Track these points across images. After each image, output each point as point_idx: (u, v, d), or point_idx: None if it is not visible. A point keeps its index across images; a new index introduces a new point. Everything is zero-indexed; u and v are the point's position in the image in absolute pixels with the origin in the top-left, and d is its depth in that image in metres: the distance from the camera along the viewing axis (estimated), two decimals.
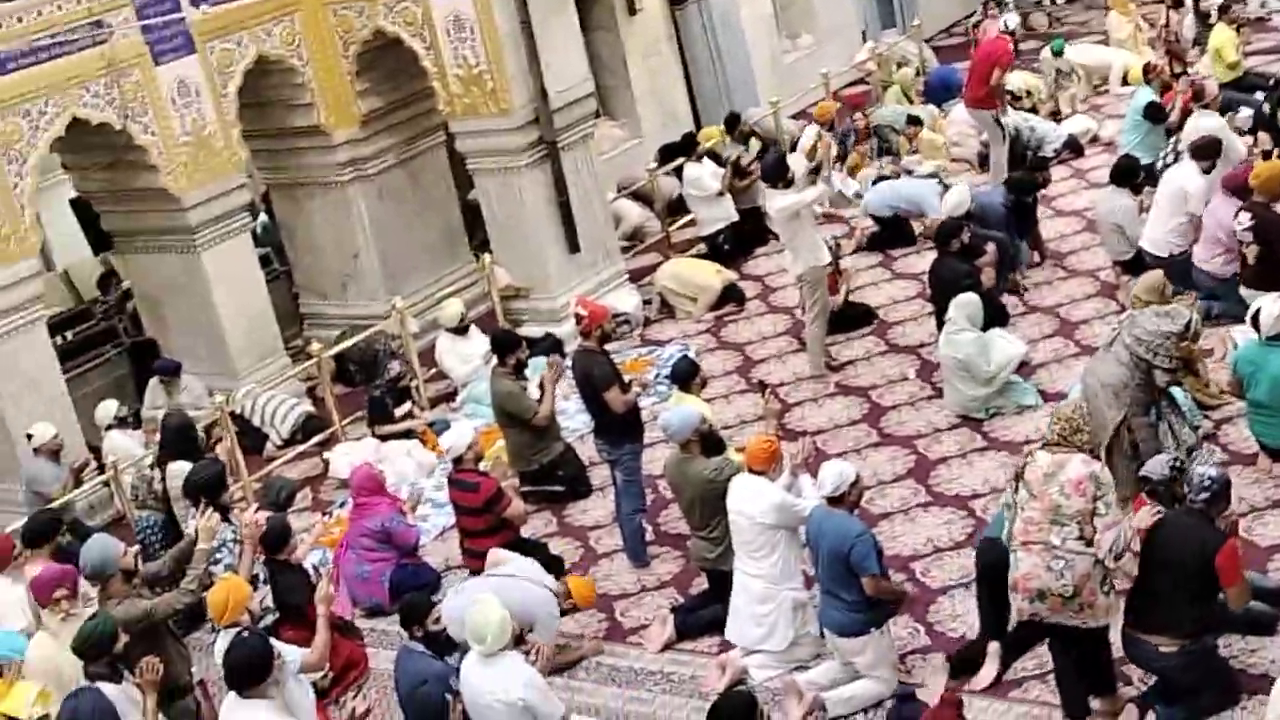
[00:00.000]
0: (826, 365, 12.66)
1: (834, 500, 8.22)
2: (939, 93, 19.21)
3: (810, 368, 12.70)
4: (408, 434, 12.97)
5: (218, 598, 8.15)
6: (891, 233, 15.32)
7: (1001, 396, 11.28)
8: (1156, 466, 8.03)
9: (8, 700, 7.56)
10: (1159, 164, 13.79)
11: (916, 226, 15.13)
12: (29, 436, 12.19)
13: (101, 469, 12.25)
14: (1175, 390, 9.80)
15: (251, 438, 13.50)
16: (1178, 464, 8.04)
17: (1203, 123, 13.37)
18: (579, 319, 10.71)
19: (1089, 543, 7.46)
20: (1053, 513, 7.54)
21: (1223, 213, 11.53)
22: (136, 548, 9.47)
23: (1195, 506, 7.60)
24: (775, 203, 12.47)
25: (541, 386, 11.23)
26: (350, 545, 10.59)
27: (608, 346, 11.04)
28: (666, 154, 17.86)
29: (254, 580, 9.15)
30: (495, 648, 7.81)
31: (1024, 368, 11.64)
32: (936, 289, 12.24)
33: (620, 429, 10.38)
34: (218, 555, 9.35)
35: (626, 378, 10.59)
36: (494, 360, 11.91)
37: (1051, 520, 7.54)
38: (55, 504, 11.59)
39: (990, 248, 12.75)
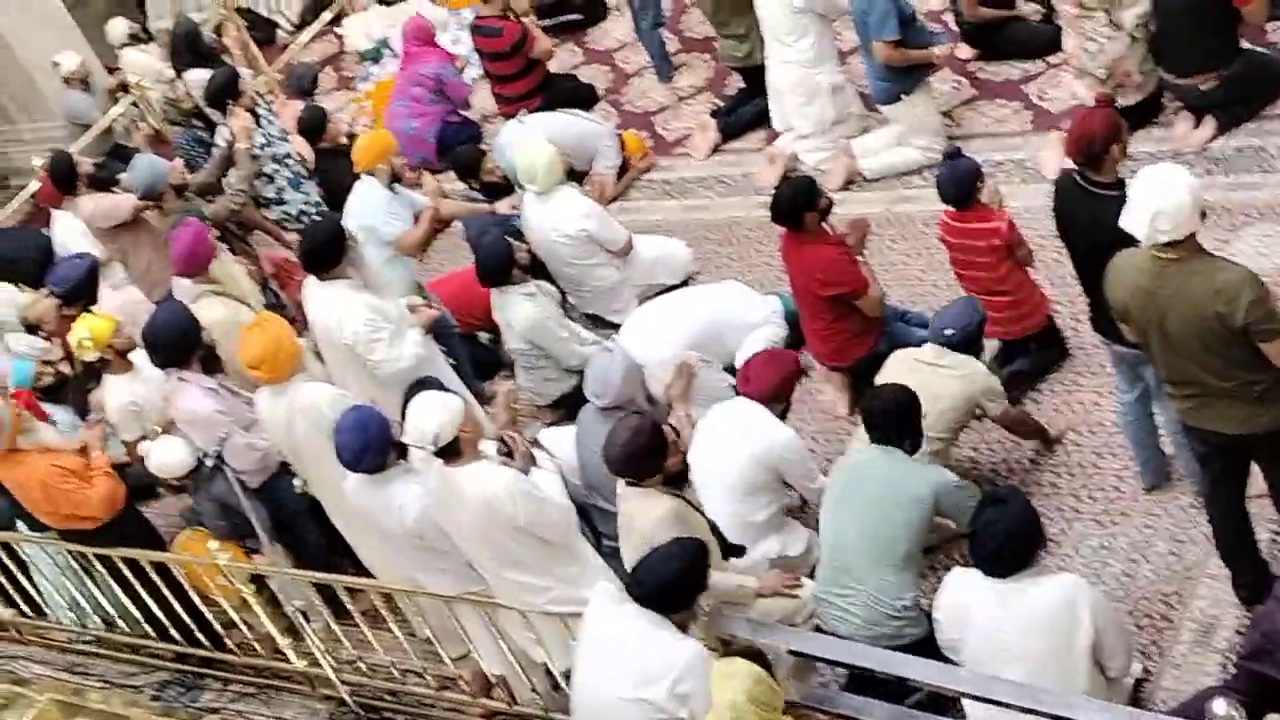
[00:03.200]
0: None
1: None
2: None
3: None
4: None
5: (363, 140, 8.43)
6: None
7: None
8: None
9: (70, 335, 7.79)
10: None
11: None
12: (55, 65, 12.09)
13: (126, 88, 12.18)
14: None
15: (262, 29, 13.32)
16: None
17: None
18: None
19: (1119, 25, 7.55)
20: (1079, 6, 7.67)
21: None
22: (180, 161, 9.56)
23: None
24: None
25: None
26: (398, 97, 10.56)
27: None
28: None
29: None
30: (548, 184, 7.89)
31: None
32: None
33: None
34: (269, 149, 9.41)
35: None
36: None
37: (1079, 14, 7.67)
38: (96, 131, 11.64)
39: None
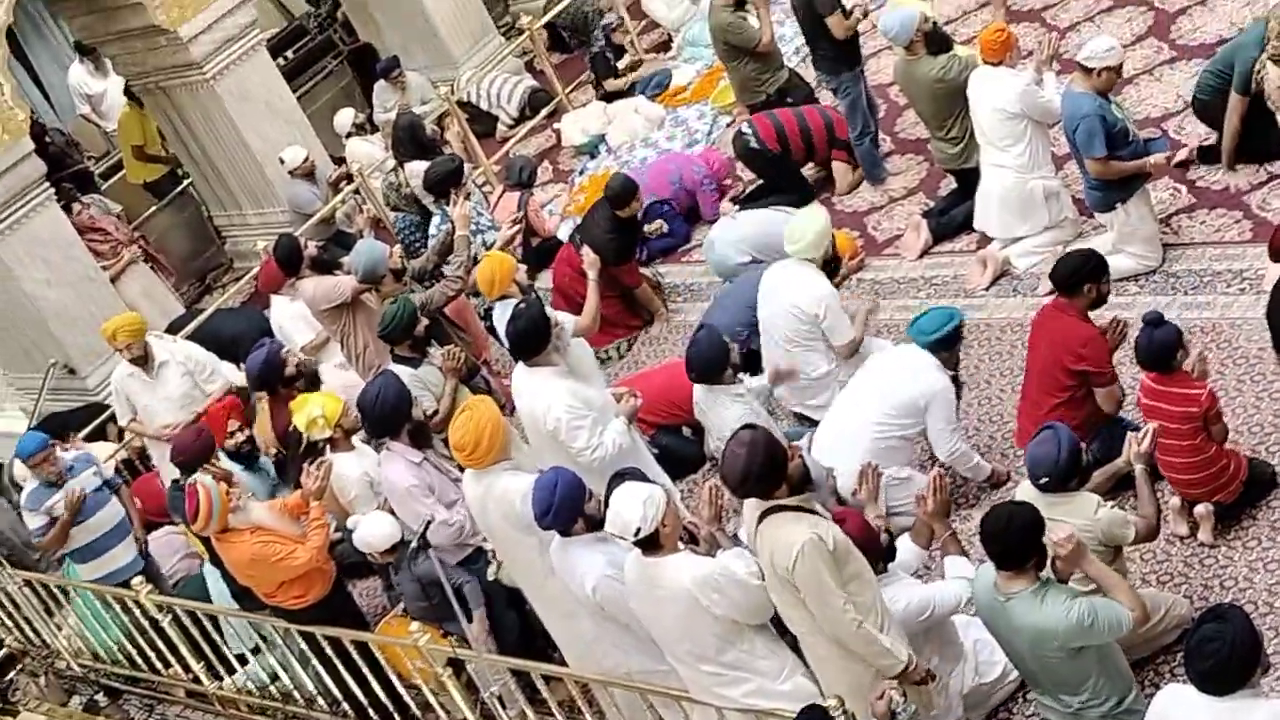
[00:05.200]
0: None
1: (1085, 71, 7.96)
2: None
3: None
4: (632, 89, 13.01)
5: (484, 273, 8.49)
6: None
7: None
8: None
9: (299, 413, 8.05)
10: None
11: None
12: (281, 161, 12.63)
13: (350, 178, 12.66)
14: None
15: (482, 122, 13.71)
16: None
17: None
18: None
19: None
20: None
21: None
22: (399, 247, 9.87)
23: None
24: None
25: (758, 13, 10.94)
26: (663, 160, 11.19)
27: None
28: None
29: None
30: (809, 253, 7.94)
31: None
32: None
33: (835, 57, 10.15)
34: (479, 237, 9.67)
35: (848, 2, 10.24)
36: None
37: None
38: (317, 219, 12.10)
39: None
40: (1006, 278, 8.79)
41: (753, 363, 8.22)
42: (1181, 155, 8.68)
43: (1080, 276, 6.85)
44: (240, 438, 8.60)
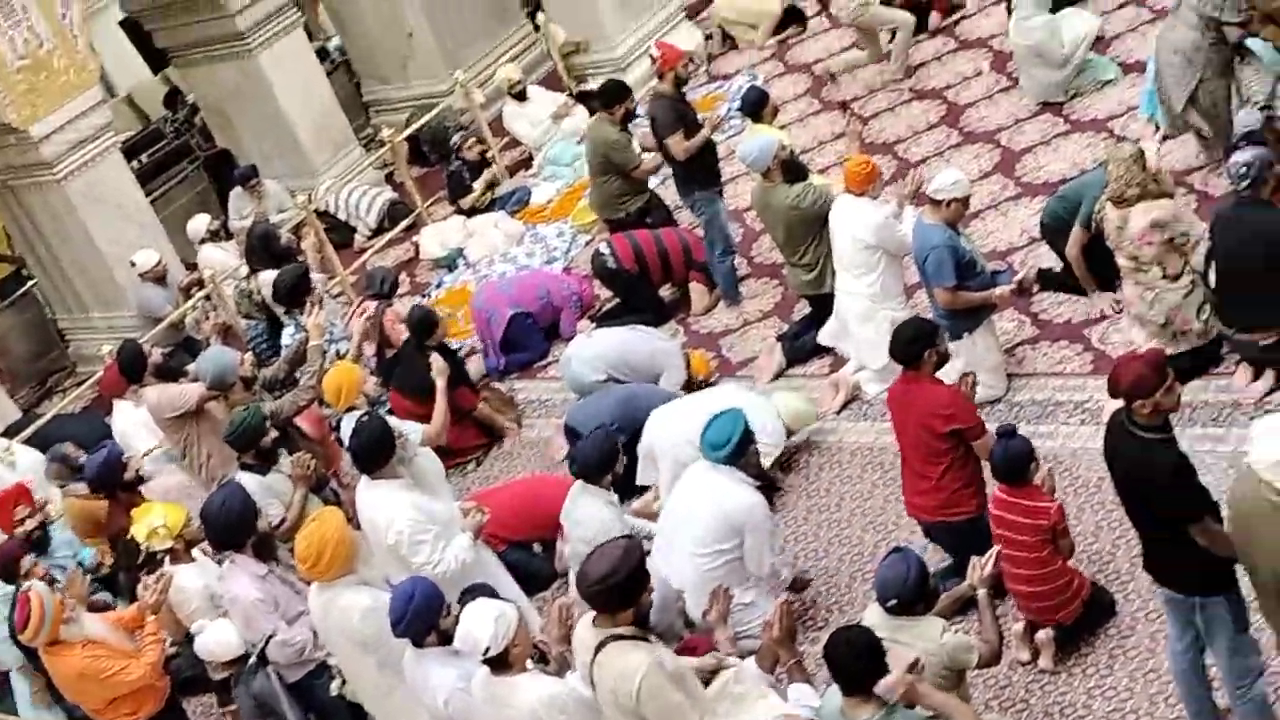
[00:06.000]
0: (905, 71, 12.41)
1: (934, 203, 8.18)
2: None
3: (890, 74, 12.45)
4: (492, 204, 13.08)
5: (332, 383, 8.40)
6: None
7: (1080, 76, 11.02)
8: (1248, 119, 7.93)
9: (139, 523, 7.84)
10: None
11: None
12: (132, 264, 12.43)
13: (201, 284, 12.49)
14: (1253, 42, 9.53)
15: (340, 232, 13.66)
16: (1266, 107, 8.00)
17: None
18: (653, 60, 10.65)
19: (1175, 278, 7.68)
20: (1134, 261, 7.78)
21: None
22: (249, 355, 9.74)
23: (1244, 195, 7.41)
24: None
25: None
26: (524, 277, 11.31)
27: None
28: None
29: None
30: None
31: (1100, 42, 11.34)
32: None
33: (685, 177, 10.32)
34: (332, 347, 9.59)
35: (701, 117, 10.43)
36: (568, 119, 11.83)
37: (1135, 267, 7.79)
38: (166, 324, 11.90)
39: None
40: (857, 402, 8.92)
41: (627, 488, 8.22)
42: (1021, 274, 8.95)
43: (919, 345, 7.02)
44: (30, 525, 8.42)
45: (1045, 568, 6.56)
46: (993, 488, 6.79)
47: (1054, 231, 8.87)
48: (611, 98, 11.00)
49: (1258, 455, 5.05)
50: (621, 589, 5.54)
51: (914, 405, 7.05)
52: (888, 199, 9.03)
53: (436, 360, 8.91)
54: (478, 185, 13.16)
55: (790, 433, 8.55)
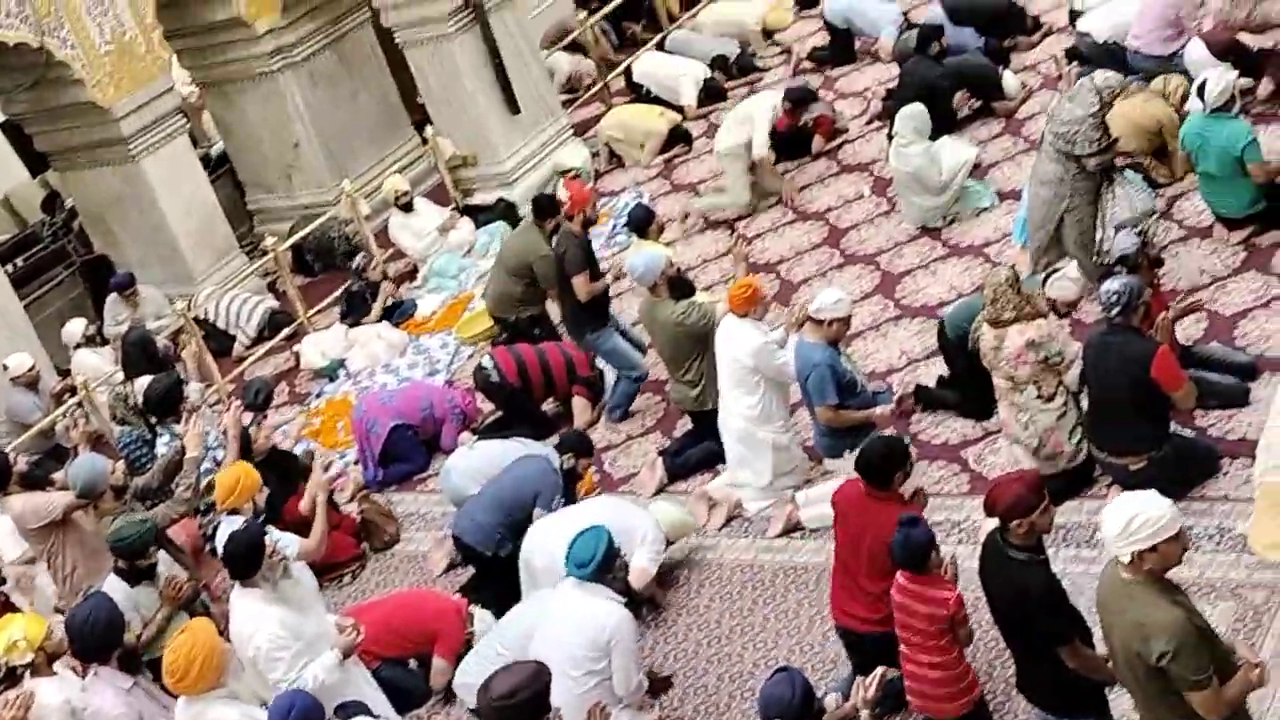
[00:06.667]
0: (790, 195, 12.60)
1: (816, 322, 8.25)
2: None
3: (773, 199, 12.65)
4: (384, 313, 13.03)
5: (227, 481, 8.21)
6: (837, 49, 15.09)
7: (957, 203, 11.30)
8: (1124, 243, 8.16)
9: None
10: None
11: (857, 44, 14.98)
12: (4, 368, 12.16)
13: (74, 390, 12.23)
14: (1126, 172, 9.86)
15: (219, 340, 13.48)
16: (1141, 231, 8.28)
17: None
18: (561, 202, 10.82)
19: (1049, 399, 7.82)
20: (1009, 381, 7.92)
21: None
22: (122, 463, 9.53)
23: (1115, 322, 7.64)
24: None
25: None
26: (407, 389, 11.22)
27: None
28: None
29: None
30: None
31: (977, 170, 11.65)
32: (908, 92, 12.11)
33: (577, 317, 10.39)
34: (210, 454, 9.42)
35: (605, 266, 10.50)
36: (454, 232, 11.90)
37: (1011, 387, 7.93)
38: (35, 430, 11.62)
39: None
40: (738, 519, 8.93)
41: None
42: (900, 394, 9.06)
43: (890, 465, 6.99)
44: None
45: (943, 655, 6.54)
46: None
47: (947, 350, 8.99)
48: (543, 210, 11.13)
49: (1106, 531, 5.19)
50: (521, 708, 5.44)
51: (872, 524, 6.95)
52: (773, 325, 9.11)
53: (315, 472, 8.77)
54: (376, 307, 13.09)
55: (670, 542, 8.53)
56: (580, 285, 10.21)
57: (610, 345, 10.36)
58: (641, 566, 8.13)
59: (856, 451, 7.43)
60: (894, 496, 7.02)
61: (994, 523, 6.05)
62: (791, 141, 13.00)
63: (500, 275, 11.42)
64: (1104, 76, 9.39)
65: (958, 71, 12.51)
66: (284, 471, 9.69)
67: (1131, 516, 5.06)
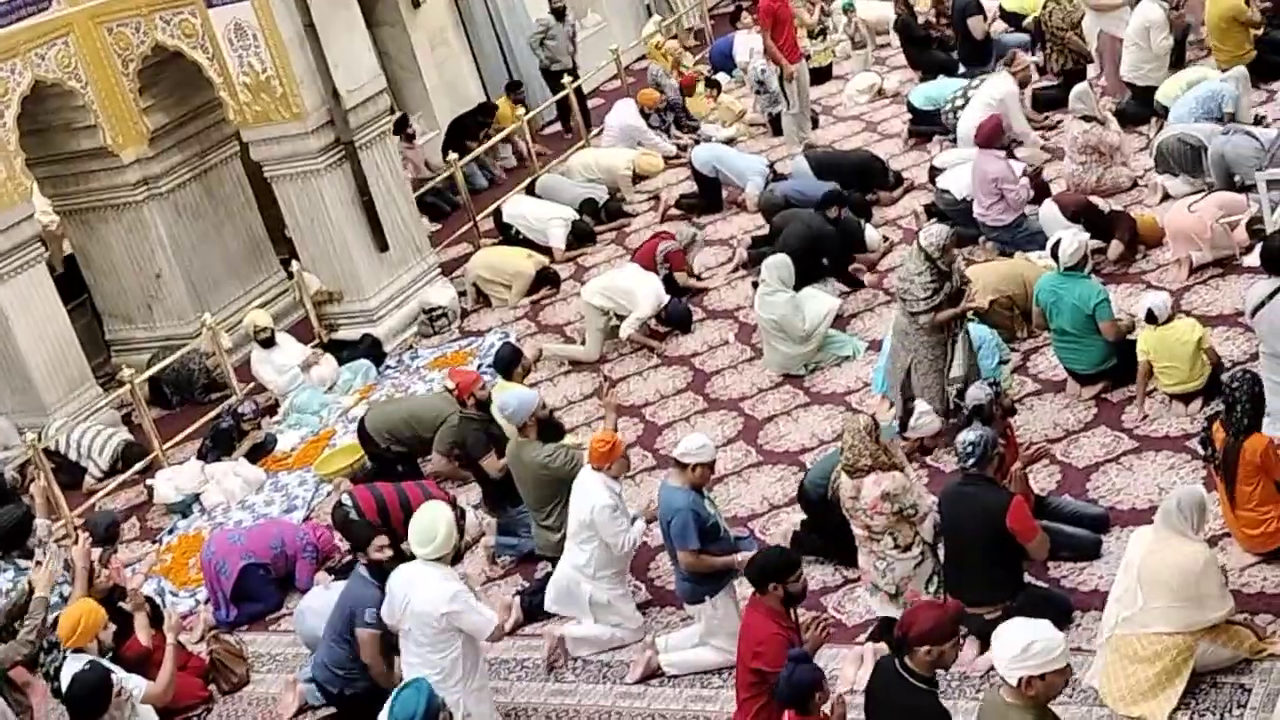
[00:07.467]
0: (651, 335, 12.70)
1: (680, 466, 8.29)
2: (721, 61, 19.57)
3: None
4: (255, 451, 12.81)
5: (70, 619, 7.97)
6: (705, 197, 15.38)
7: (820, 352, 11.49)
8: (977, 394, 8.35)
9: None
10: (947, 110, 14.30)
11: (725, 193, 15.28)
12: None
13: None
14: (980, 327, 10.13)
15: (69, 473, 13.11)
16: (992, 382, 8.56)
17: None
18: (450, 391, 10.79)
19: (905, 548, 7.95)
20: (867, 530, 8.04)
21: (987, 165, 11.87)
22: None
23: (971, 472, 7.81)
24: None
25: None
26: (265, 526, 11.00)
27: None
28: (456, 128, 18.25)
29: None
30: (436, 553, 7.86)
31: (839, 319, 11.87)
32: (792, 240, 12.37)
33: (496, 495, 10.28)
34: (58, 589, 9.11)
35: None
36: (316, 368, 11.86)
37: (868, 536, 8.05)
38: None
39: None
40: (597, 664, 8.83)
41: None
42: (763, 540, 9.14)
43: (767, 575, 7.11)
44: None
45: None
46: None
47: (815, 503, 9.06)
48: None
49: (998, 652, 5.36)
50: None
51: (746, 629, 7.19)
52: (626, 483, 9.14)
53: (168, 614, 8.52)
54: (241, 447, 12.86)
55: None
56: (490, 466, 10.15)
57: (530, 520, 10.15)
58: None
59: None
60: (766, 606, 7.13)
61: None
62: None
63: (399, 412, 11.44)
64: (928, 234, 9.66)
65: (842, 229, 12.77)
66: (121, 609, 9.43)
67: (1030, 641, 5.18)
